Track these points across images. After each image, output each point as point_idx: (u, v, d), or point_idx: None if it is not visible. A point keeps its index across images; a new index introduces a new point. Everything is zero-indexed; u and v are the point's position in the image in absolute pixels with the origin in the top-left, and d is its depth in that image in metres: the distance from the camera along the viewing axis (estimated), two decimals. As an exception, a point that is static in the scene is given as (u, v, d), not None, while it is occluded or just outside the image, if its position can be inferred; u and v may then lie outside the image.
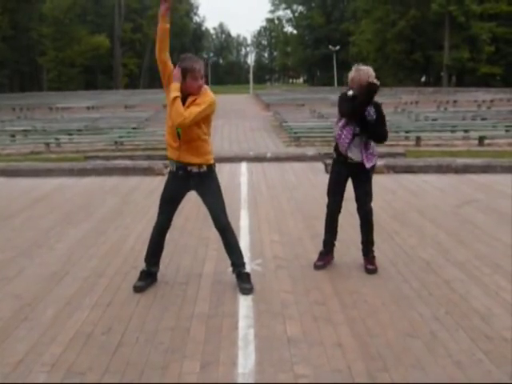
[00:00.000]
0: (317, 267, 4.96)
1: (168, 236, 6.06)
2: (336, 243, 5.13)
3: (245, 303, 4.25)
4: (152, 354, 3.48)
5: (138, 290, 4.51)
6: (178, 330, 3.82)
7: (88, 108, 31.22)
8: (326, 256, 5.06)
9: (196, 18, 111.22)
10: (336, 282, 4.70)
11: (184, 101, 4.21)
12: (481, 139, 15.10)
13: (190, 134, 4.28)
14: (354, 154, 4.76)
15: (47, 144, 15.19)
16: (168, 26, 4.18)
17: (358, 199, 4.98)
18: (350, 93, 4.67)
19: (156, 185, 9.33)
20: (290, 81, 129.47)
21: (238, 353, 3.48)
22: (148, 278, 4.64)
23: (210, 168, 4.49)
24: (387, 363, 3.35)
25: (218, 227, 4.61)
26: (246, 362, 3.37)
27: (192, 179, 4.44)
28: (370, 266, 4.91)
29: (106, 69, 77.25)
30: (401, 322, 3.93)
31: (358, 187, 4.96)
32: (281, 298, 4.35)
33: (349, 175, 4.93)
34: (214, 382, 3.15)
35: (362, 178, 4.91)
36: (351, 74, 4.72)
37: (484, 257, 5.35)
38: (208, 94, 4.31)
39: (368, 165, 4.78)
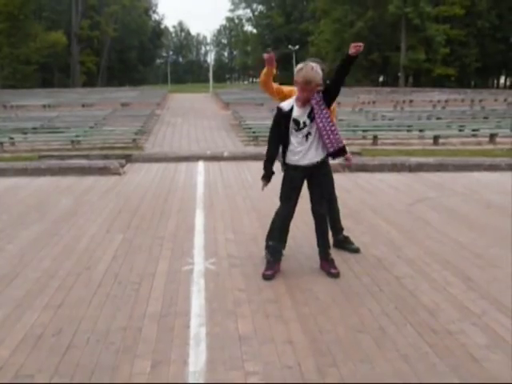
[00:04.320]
0: (266, 277, 4.75)
1: (122, 235, 6.09)
2: (290, 240, 5.16)
3: (197, 302, 4.26)
4: (103, 355, 3.46)
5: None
6: (130, 329, 3.80)
7: (44, 106, 30.58)
8: (276, 265, 4.90)
9: (155, 16, 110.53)
10: (289, 279, 4.75)
11: None
12: (435, 138, 15.44)
13: None
14: (309, 159, 4.71)
15: (1, 143, 14.80)
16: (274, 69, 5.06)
17: (313, 202, 4.91)
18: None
19: (112, 184, 9.26)
20: (250, 80, 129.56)
21: (189, 351, 3.49)
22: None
23: None
24: (336, 359, 3.41)
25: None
26: (197, 360, 3.38)
27: None
28: (333, 271, 4.85)
29: (63, 66, 76.00)
30: (351, 317, 4.01)
31: (313, 189, 4.89)
32: (234, 297, 4.37)
33: (305, 177, 4.83)
34: (164, 382, 3.15)
35: (318, 179, 4.83)
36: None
37: (434, 253, 5.49)
38: None
39: (331, 148, 4.66)
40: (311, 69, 4.48)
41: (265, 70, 5.05)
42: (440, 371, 3.26)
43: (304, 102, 4.60)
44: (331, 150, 4.68)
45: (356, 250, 5.48)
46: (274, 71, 5.06)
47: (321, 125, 4.60)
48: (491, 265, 5.14)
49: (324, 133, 4.62)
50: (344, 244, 5.55)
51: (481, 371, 3.27)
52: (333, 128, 4.64)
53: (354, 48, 4.38)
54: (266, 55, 4.94)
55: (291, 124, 4.63)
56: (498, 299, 4.32)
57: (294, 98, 4.70)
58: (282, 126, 4.67)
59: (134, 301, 4.30)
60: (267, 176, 4.81)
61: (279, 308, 4.17)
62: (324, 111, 4.61)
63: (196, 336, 3.70)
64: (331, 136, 4.64)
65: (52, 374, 3.24)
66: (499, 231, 6.23)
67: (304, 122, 4.63)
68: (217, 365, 3.33)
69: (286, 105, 4.68)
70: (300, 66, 4.56)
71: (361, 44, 4.40)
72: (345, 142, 5.06)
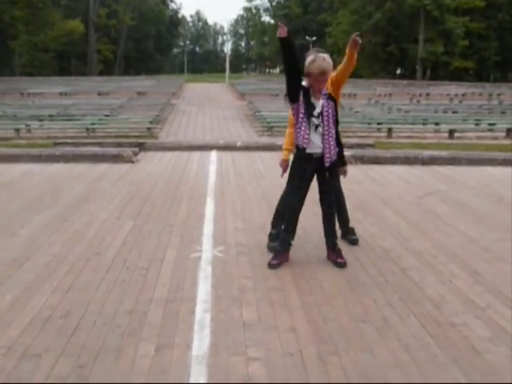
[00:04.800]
0: (271, 266, 4.80)
1: (133, 222, 6.16)
2: (298, 230, 5.18)
3: (203, 288, 4.32)
4: (108, 337, 3.53)
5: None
6: (136, 313, 3.87)
7: (60, 94, 30.79)
8: (283, 255, 4.95)
9: (172, 5, 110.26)
10: (295, 268, 4.79)
11: None
12: (451, 132, 15.34)
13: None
14: (315, 148, 4.71)
15: (17, 130, 14.96)
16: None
17: (321, 192, 4.93)
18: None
19: (124, 172, 9.35)
20: (267, 70, 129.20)
21: (193, 336, 3.54)
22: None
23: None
24: (338, 347, 3.44)
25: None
26: (200, 344, 3.44)
27: None
28: (340, 260, 4.89)
29: (80, 55, 76.23)
30: (355, 307, 4.03)
31: (321, 180, 4.89)
32: (240, 284, 4.42)
33: (315, 170, 4.82)
34: (167, 364, 3.21)
35: (327, 169, 4.81)
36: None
37: (441, 246, 5.50)
38: None
39: (327, 162, 4.71)
40: (323, 60, 4.48)
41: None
42: (440, 362, 3.28)
43: (318, 92, 4.62)
44: (328, 164, 4.74)
45: (353, 242, 5.48)
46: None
47: (326, 131, 4.67)
48: (499, 259, 5.13)
49: (327, 145, 4.69)
50: (345, 234, 5.55)
51: (481, 363, 3.28)
52: (334, 143, 4.74)
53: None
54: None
55: (309, 104, 4.63)
56: (504, 293, 4.32)
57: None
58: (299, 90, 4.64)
59: (141, 286, 4.37)
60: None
61: (284, 296, 4.21)
62: (331, 121, 4.68)
63: (200, 321, 3.75)
64: (332, 151, 4.74)
65: (59, 354, 3.31)
66: (509, 225, 6.20)
67: (318, 113, 4.64)
68: (219, 350, 3.38)
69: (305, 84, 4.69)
70: (311, 57, 4.53)
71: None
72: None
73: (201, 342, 3.47)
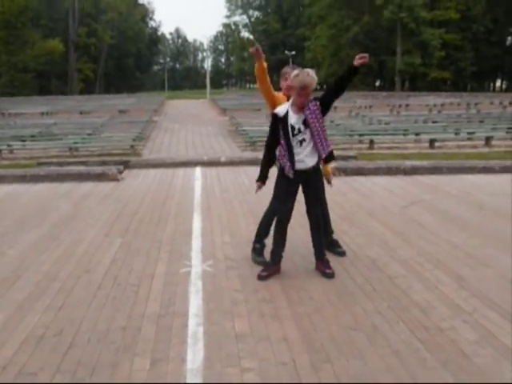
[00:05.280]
0: (261, 278, 4.89)
1: (121, 239, 6.19)
2: (286, 242, 5.24)
3: (195, 302, 4.37)
4: (103, 353, 3.56)
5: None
6: (130, 329, 3.91)
7: (42, 114, 30.72)
8: (275, 267, 5.03)
9: (152, 23, 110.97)
10: (284, 280, 4.86)
11: None
12: (431, 142, 15.57)
13: None
14: (304, 164, 4.80)
15: (-1, 151, 14.90)
16: (265, 64, 5.11)
17: (308, 204, 5.02)
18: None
19: (110, 190, 9.36)
20: (248, 85, 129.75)
21: (187, 349, 3.59)
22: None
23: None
24: (330, 355, 3.51)
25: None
26: (194, 358, 3.48)
27: None
28: (328, 271, 4.97)
29: (60, 74, 76.18)
30: (345, 316, 4.11)
31: (308, 192, 4.99)
32: (230, 297, 4.48)
33: (300, 182, 4.92)
34: (162, 378, 3.25)
35: (312, 182, 4.94)
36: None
37: (427, 253, 5.60)
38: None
39: (324, 153, 4.80)
40: (307, 74, 4.59)
41: (256, 66, 5.14)
42: (430, 366, 3.37)
43: (300, 106, 4.69)
44: (324, 155, 4.83)
45: (341, 254, 5.56)
46: (265, 64, 5.13)
47: (316, 133, 4.73)
48: (482, 264, 5.25)
49: (318, 140, 4.75)
50: (330, 247, 5.59)
51: (470, 366, 3.37)
52: (324, 135, 4.82)
53: (360, 59, 4.50)
54: (251, 50, 5.01)
55: (289, 129, 4.72)
56: (489, 297, 4.43)
57: (289, 103, 4.80)
58: (279, 131, 4.77)
59: (133, 302, 4.41)
60: (261, 178, 4.96)
61: (275, 307, 4.27)
62: (320, 120, 4.74)
63: (194, 335, 3.80)
64: (324, 143, 4.81)
65: (54, 371, 3.34)
66: (491, 231, 6.35)
67: (299, 129, 4.72)
68: (214, 362, 3.43)
69: (280, 110, 4.77)
70: (296, 71, 4.66)
71: (367, 55, 4.53)
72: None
73: (195, 355, 3.52)
